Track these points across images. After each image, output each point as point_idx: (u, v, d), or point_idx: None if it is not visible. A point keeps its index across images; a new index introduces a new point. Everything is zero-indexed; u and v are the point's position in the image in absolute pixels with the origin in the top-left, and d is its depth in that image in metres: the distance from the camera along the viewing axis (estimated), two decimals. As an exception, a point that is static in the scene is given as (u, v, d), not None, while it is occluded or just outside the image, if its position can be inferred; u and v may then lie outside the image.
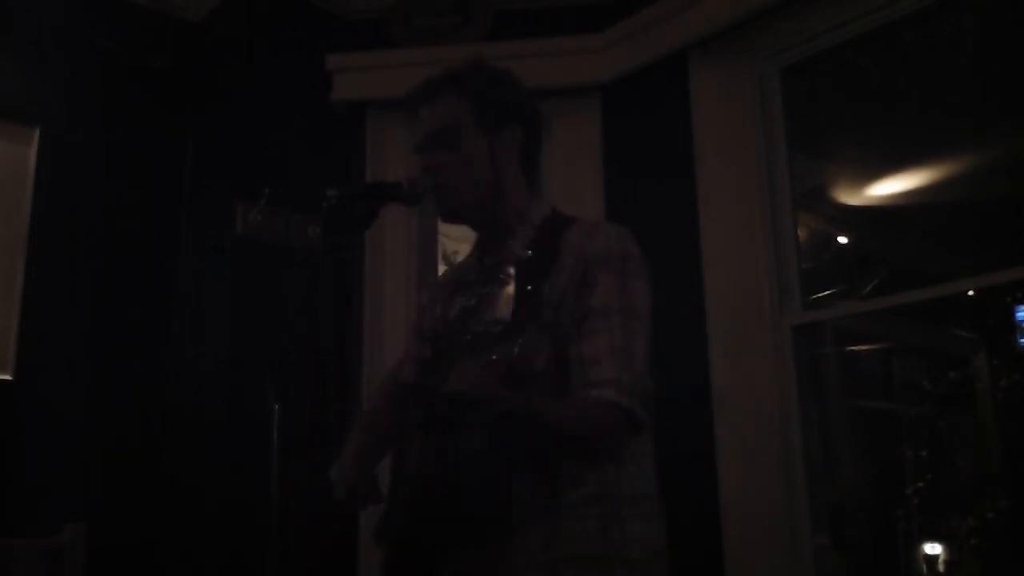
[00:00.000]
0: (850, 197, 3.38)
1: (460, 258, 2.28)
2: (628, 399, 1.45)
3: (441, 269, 3.43)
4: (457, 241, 3.72)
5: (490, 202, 1.64)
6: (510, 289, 1.46)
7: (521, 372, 1.42)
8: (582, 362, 1.48)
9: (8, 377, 2.76)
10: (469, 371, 1.35)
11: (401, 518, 1.54)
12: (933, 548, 3.27)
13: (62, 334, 2.89)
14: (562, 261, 1.55)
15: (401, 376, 1.84)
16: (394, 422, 1.77)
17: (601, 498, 1.49)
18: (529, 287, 1.46)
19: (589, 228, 1.61)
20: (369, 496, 1.69)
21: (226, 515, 2.79)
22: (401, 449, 1.63)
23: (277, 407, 1.66)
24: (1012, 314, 3.53)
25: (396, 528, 1.55)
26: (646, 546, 1.52)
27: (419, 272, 3.25)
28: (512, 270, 1.50)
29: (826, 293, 3.18)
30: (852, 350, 3.57)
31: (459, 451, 1.45)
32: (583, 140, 3.22)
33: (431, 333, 1.75)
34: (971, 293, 3.18)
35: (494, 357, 1.38)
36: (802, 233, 2.99)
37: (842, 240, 3.55)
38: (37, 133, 2.94)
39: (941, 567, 3.25)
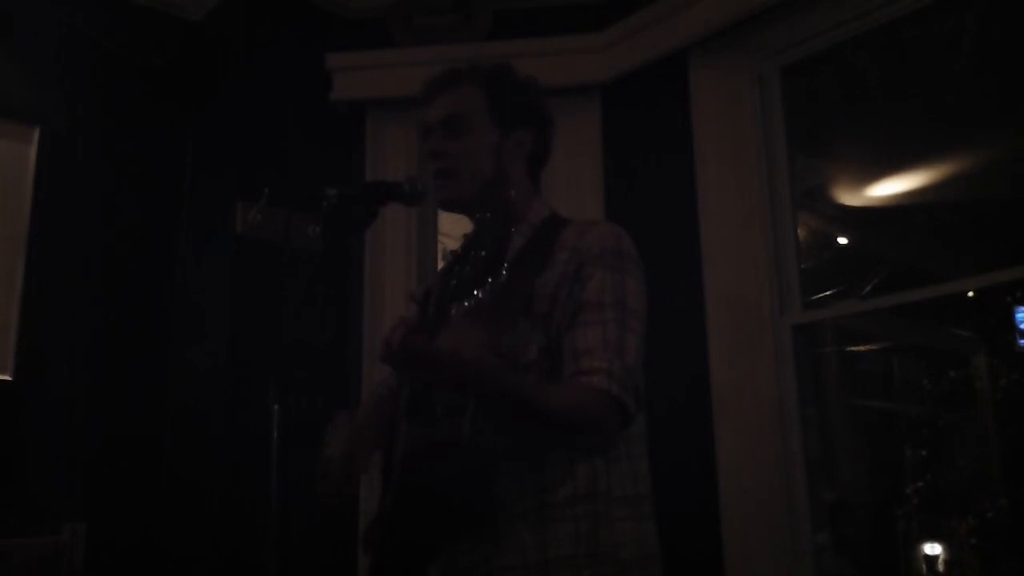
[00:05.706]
0: (850, 197, 3.37)
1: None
2: (618, 388, 1.44)
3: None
4: (457, 241, 3.71)
5: (490, 197, 1.62)
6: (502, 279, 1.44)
7: (512, 362, 1.41)
8: (574, 352, 1.47)
9: (8, 377, 2.76)
10: (459, 333, 1.30)
11: (387, 512, 1.51)
12: (933, 548, 3.26)
13: (62, 334, 2.89)
14: (556, 256, 1.55)
15: (392, 380, 1.79)
16: (381, 424, 1.74)
17: (592, 497, 1.48)
18: (522, 280, 1.45)
19: (585, 226, 1.61)
20: (345, 489, 1.63)
21: (226, 515, 2.79)
22: (389, 446, 1.61)
23: (277, 407, 1.66)
24: (1012, 314, 3.53)
25: (382, 523, 1.51)
26: (638, 546, 1.51)
27: (419, 272, 3.25)
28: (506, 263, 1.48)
29: (826, 293, 3.18)
30: (852, 350, 3.57)
31: (445, 440, 1.43)
32: (583, 139, 3.22)
33: (421, 303, 1.73)
34: (971, 293, 3.18)
35: (479, 327, 1.33)
36: (802, 233, 2.99)
37: (842, 240, 3.54)
38: (37, 132, 2.95)
39: (941, 567, 3.25)
